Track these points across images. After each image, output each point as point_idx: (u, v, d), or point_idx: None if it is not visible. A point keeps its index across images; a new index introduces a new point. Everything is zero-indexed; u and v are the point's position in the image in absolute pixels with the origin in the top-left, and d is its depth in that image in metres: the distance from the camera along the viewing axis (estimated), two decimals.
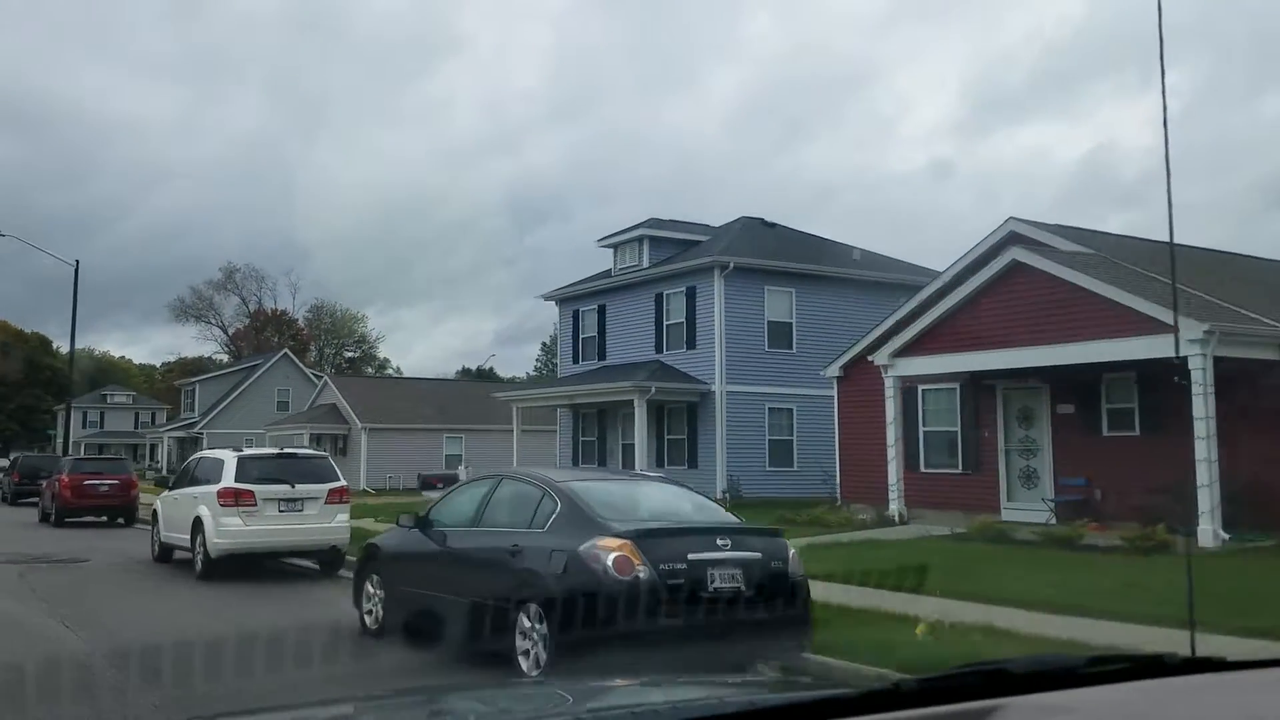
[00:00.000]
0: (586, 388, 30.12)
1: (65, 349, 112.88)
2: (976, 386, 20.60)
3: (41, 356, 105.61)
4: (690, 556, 7.95)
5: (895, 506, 20.27)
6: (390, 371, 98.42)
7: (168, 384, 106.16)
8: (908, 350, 19.98)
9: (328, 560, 16.56)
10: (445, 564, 9.43)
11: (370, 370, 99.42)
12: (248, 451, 16.86)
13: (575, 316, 34.34)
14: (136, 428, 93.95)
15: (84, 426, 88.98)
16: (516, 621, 8.12)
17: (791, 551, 8.67)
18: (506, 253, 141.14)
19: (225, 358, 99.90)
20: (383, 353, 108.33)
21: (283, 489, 16.18)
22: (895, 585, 11.62)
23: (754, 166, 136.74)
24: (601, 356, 32.99)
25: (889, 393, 20.17)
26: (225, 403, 71.82)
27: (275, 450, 16.94)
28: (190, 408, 75.61)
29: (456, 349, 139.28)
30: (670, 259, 31.05)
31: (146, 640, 10.30)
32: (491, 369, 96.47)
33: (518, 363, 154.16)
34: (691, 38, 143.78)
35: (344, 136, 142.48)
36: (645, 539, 7.96)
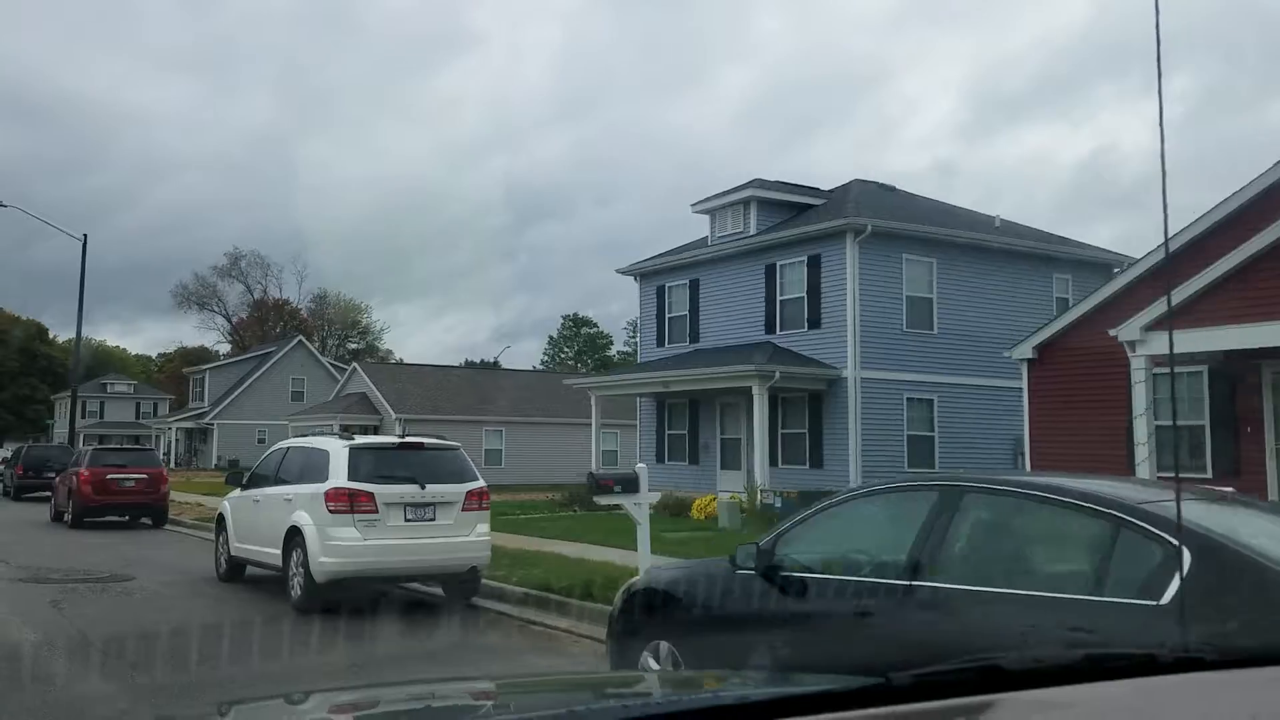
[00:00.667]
0: (687, 373, 26.05)
1: (62, 338, 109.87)
2: (1233, 370, 16.60)
3: (37, 345, 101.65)
4: None
5: None
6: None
7: (166, 374, 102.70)
8: (1160, 324, 15.90)
9: (462, 586, 12.50)
10: (862, 643, 5.32)
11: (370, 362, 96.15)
12: (361, 440, 12.72)
13: (660, 293, 30.24)
14: (138, 418, 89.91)
15: (83, 416, 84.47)
16: None
17: None
18: (506, 249, 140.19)
19: (227, 347, 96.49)
20: (385, 344, 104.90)
21: (410, 490, 12.10)
22: None
23: (758, 166, 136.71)
24: (694, 338, 28.91)
25: (1137, 376, 16.07)
26: (238, 391, 67.64)
27: (395, 438, 12.82)
28: (199, 397, 71.40)
29: (452, 344, 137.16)
30: (782, 224, 27.00)
31: None
32: (497, 362, 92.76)
33: (519, 359, 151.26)
34: (698, 37, 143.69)
35: (348, 131, 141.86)
36: None
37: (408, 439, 12.84)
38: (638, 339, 31.35)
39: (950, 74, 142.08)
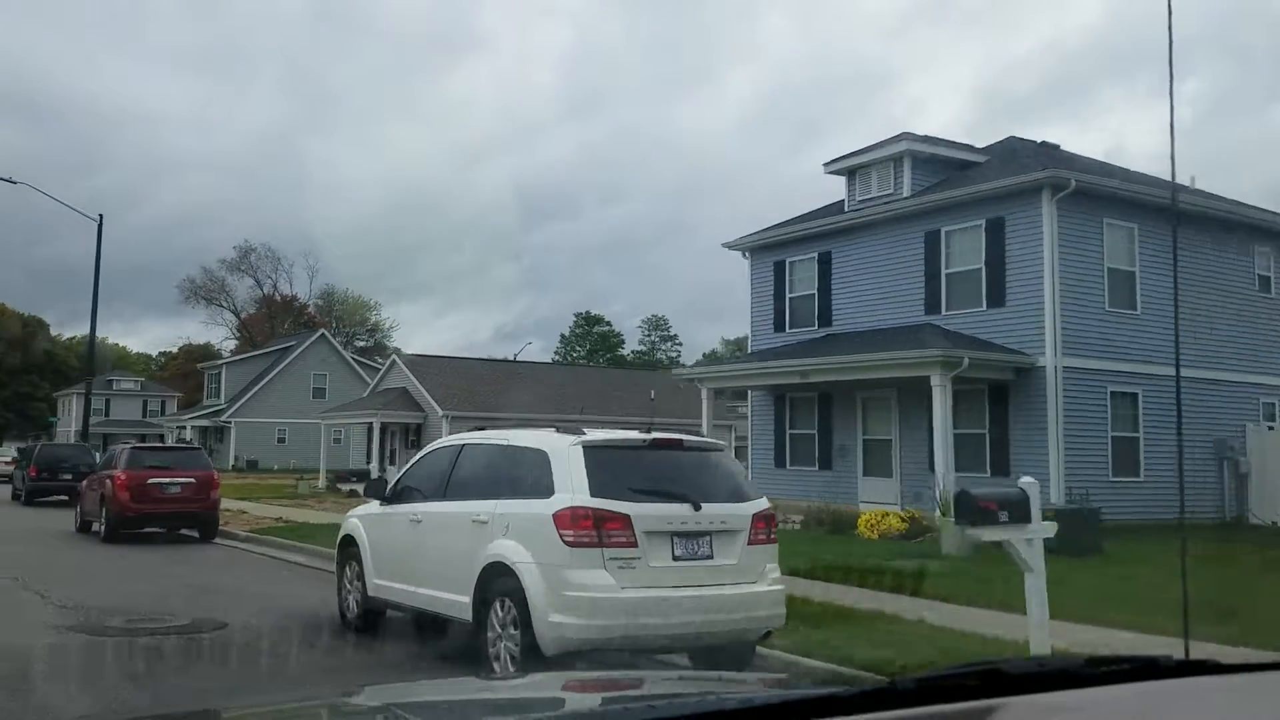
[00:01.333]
0: (831, 360, 21.86)
1: (65, 335, 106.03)
2: None
3: (38, 341, 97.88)
4: None
5: None
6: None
7: (169, 373, 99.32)
8: None
9: (735, 656, 8.30)
10: None
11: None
12: (593, 436, 8.45)
13: (779, 270, 26.06)
14: (145, 416, 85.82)
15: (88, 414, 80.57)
16: None
17: None
18: (512, 248, 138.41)
19: (234, 344, 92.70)
20: (394, 342, 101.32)
21: (679, 513, 7.93)
22: None
23: (762, 166, 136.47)
24: (824, 321, 24.73)
25: None
26: (256, 388, 63.42)
27: (642, 434, 8.57)
28: (214, 393, 67.18)
29: (456, 343, 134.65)
30: (940, 185, 22.85)
31: None
32: (515, 360, 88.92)
33: (533, 358, 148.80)
34: (707, 38, 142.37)
35: (357, 131, 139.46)
36: None
37: (660, 435, 8.62)
38: (750, 324, 27.13)
39: (959, 76, 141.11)
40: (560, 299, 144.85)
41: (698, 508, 7.95)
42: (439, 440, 10.64)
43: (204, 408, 67.05)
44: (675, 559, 7.86)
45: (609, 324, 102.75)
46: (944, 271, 22.06)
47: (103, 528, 20.17)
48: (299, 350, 65.46)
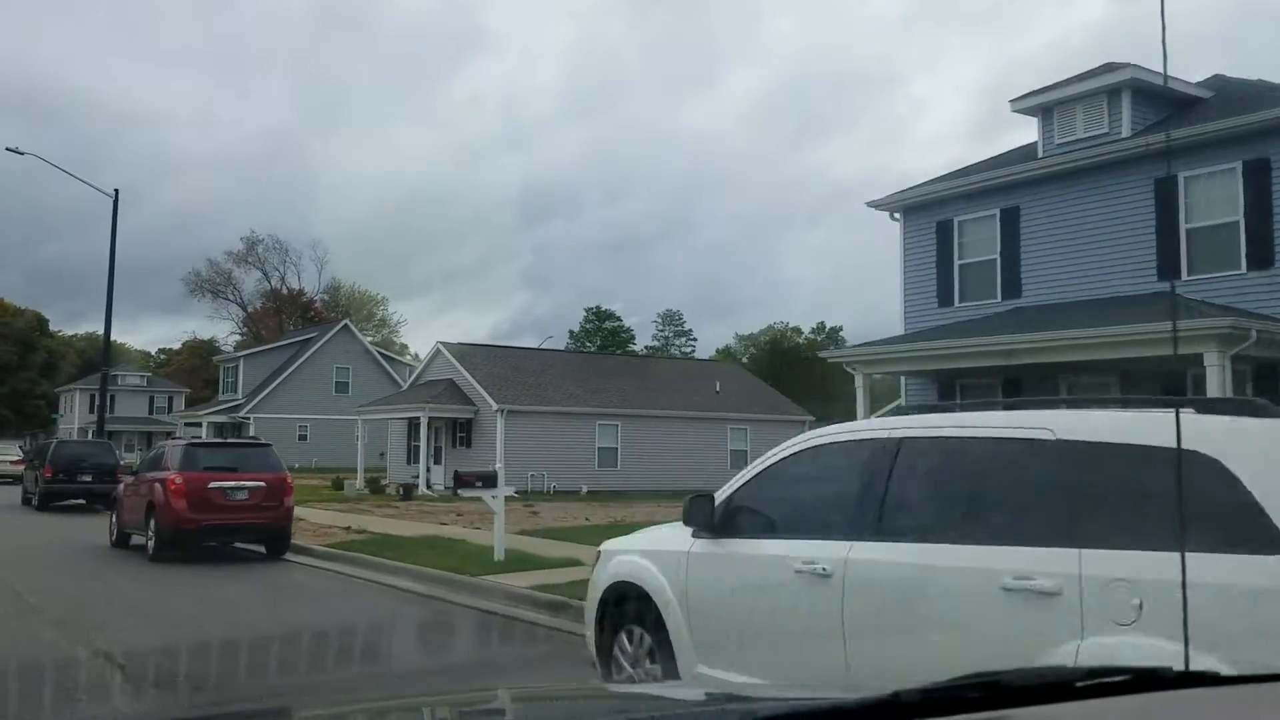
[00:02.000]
0: (1043, 337, 17.58)
1: (62, 331, 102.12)
2: None
3: (37, 337, 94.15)
4: None
5: None
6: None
7: (171, 369, 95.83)
8: None
9: None
10: None
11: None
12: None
13: (943, 232, 21.83)
14: (151, 412, 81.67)
15: (90, 410, 76.36)
16: None
17: None
18: (513, 246, 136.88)
19: (238, 338, 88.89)
20: (401, 338, 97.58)
21: None
22: None
23: (765, 167, 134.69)
24: (1012, 291, 20.51)
25: None
26: (276, 382, 59.16)
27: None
28: (231, 388, 62.84)
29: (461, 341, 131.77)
30: (1161, 125, 18.70)
31: None
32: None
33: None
34: (710, 37, 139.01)
35: (360, 129, 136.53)
36: None
37: None
38: (901, 298, 22.96)
39: (963, 75, 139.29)
40: (563, 296, 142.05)
41: None
42: (819, 433, 6.27)
43: (220, 403, 62.76)
44: None
45: (619, 318, 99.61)
46: (1183, 226, 17.89)
47: (151, 543, 15.97)
48: (320, 342, 61.23)
